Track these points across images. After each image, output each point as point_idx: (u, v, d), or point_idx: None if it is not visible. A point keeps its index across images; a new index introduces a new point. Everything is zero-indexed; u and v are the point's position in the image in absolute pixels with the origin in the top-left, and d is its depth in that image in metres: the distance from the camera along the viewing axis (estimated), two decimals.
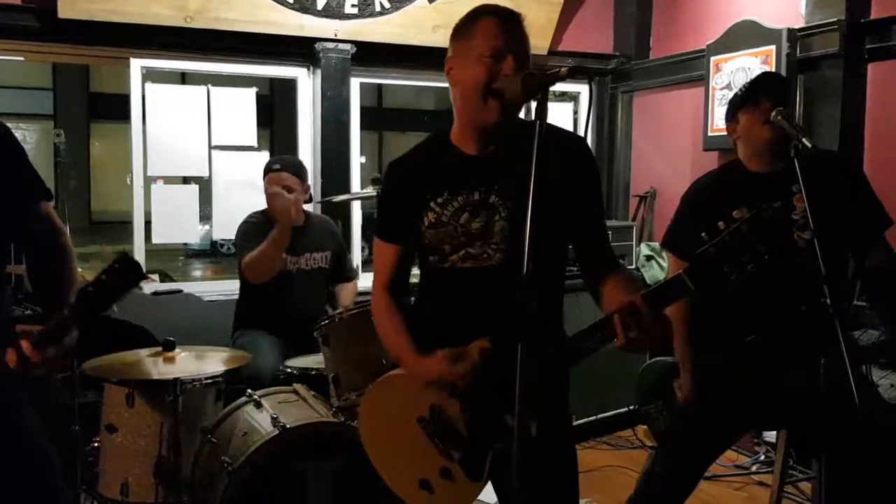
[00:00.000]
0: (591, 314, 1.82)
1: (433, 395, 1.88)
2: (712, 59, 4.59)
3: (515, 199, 1.84)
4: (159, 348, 3.07)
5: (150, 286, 4.38)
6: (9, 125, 2.03)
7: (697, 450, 2.70)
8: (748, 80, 3.01)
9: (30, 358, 1.73)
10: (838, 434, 2.39)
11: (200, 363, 3.06)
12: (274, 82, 13.58)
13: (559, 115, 5.50)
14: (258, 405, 2.98)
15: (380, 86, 15.16)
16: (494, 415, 1.78)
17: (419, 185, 1.94)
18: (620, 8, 5.50)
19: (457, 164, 1.92)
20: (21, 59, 4.56)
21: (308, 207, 3.92)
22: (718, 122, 4.50)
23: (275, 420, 2.79)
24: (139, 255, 4.41)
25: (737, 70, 4.40)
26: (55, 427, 2.17)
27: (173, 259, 13.75)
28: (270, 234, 3.53)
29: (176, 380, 2.89)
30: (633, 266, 5.03)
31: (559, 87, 5.18)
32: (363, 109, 4.94)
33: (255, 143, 4.67)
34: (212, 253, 14.20)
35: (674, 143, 5.17)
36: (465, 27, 1.85)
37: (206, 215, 4.67)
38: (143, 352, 3.09)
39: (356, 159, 4.88)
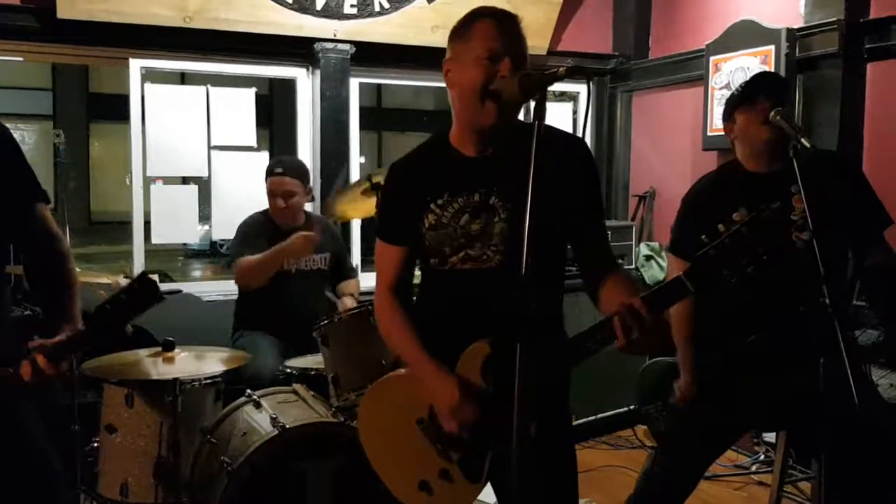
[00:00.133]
0: (590, 314, 1.82)
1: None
2: (711, 58, 4.59)
3: (515, 200, 1.84)
4: (159, 348, 3.07)
5: None
6: (8, 125, 2.03)
7: (697, 450, 2.70)
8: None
9: (45, 371, 1.75)
10: (838, 434, 2.39)
11: (200, 363, 3.06)
12: (273, 82, 13.58)
13: (558, 115, 5.51)
14: (257, 405, 2.99)
15: (379, 86, 15.16)
16: (494, 416, 1.79)
17: (419, 187, 1.94)
18: (619, 8, 5.50)
19: (456, 165, 1.92)
20: (20, 59, 4.55)
21: (307, 207, 3.92)
22: (717, 121, 4.50)
23: (274, 420, 2.79)
24: (138, 255, 4.42)
25: (736, 70, 4.40)
26: (55, 427, 2.17)
27: (173, 259, 13.74)
28: (274, 248, 3.54)
29: (175, 380, 2.89)
30: (633, 266, 5.03)
31: (558, 87, 5.21)
32: (362, 109, 4.94)
33: (254, 143, 4.67)
34: (211, 253, 14.18)
35: (673, 143, 5.17)
36: (462, 29, 1.85)
37: (205, 215, 4.67)
38: (143, 352, 3.09)
39: (355, 159, 4.88)
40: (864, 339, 3.26)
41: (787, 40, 4.08)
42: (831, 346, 2.21)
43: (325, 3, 4.45)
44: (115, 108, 7.34)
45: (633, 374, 3.11)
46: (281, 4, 4.35)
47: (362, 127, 4.95)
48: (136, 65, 4.34)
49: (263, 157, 4.73)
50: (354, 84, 4.79)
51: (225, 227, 4.48)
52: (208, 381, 3.09)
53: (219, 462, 2.78)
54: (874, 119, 3.95)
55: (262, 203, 3.81)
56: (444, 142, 1.96)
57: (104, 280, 3.46)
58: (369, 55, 4.68)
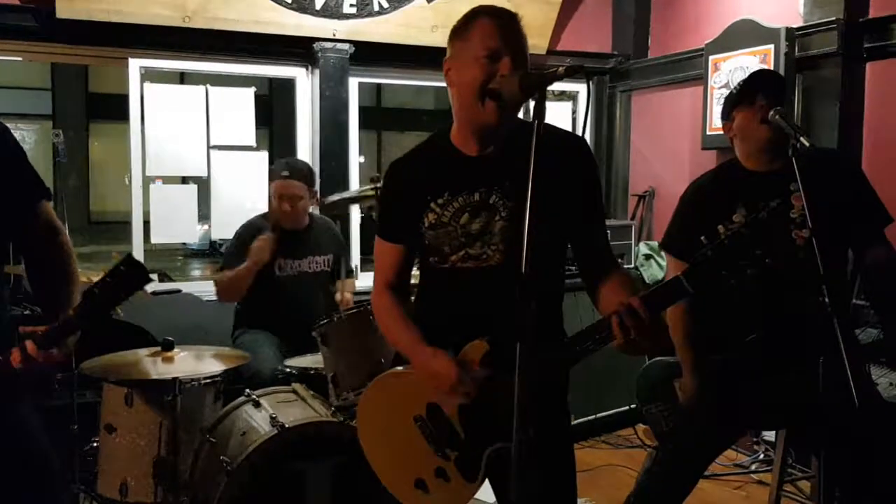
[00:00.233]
0: (590, 313, 1.82)
1: (431, 393, 1.88)
2: (710, 58, 4.59)
3: (515, 199, 1.84)
4: (158, 348, 3.06)
5: (149, 286, 4.37)
6: (8, 125, 2.03)
7: (697, 449, 2.69)
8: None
9: (34, 358, 1.74)
10: (837, 433, 2.39)
11: (199, 363, 3.06)
12: (273, 82, 13.58)
13: (558, 115, 5.50)
14: (257, 405, 2.98)
15: (378, 85, 15.15)
16: (492, 415, 1.79)
17: (420, 185, 1.94)
18: (619, 7, 5.50)
19: (457, 164, 1.92)
20: (19, 59, 4.55)
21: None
22: (717, 121, 4.50)
23: (273, 419, 2.79)
24: (138, 254, 4.41)
25: (735, 69, 4.40)
26: (54, 427, 2.16)
27: (172, 259, 13.75)
28: (240, 266, 3.55)
29: (175, 379, 2.89)
30: (632, 265, 5.03)
31: (558, 86, 5.21)
32: (362, 109, 4.94)
33: (253, 142, 4.67)
34: (210, 253, 14.17)
35: (672, 143, 5.17)
36: (462, 28, 1.85)
37: (204, 215, 4.67)
38: (142, 352, 3.08)
39: (355, 159, 4.88)
40: (864, 337, 3.26)
41: (786, 40, 4.08)
42: (831, 345, 2.21)
43: (325, 2, 4.45)
44: (115, 108, 7.34)
45: (634, 373, 3.10)
46: (280, 4, 4.35)
47: (362, 126, 4.95)
48: (135, 64, 4.33)
49: (263, 157, 4.73)
50: (354, 83, 4.79)
51: (224, 227, 4.47)
52: (208, 380, 3.10)
53: (218, 461, 2.77)
54: (873, 118, 3.95)
55: (261, 202, 3.81)
56: (444, 141, 1.96)
57: (102, 276, 3.45)
58: (369, 54, 4.67)
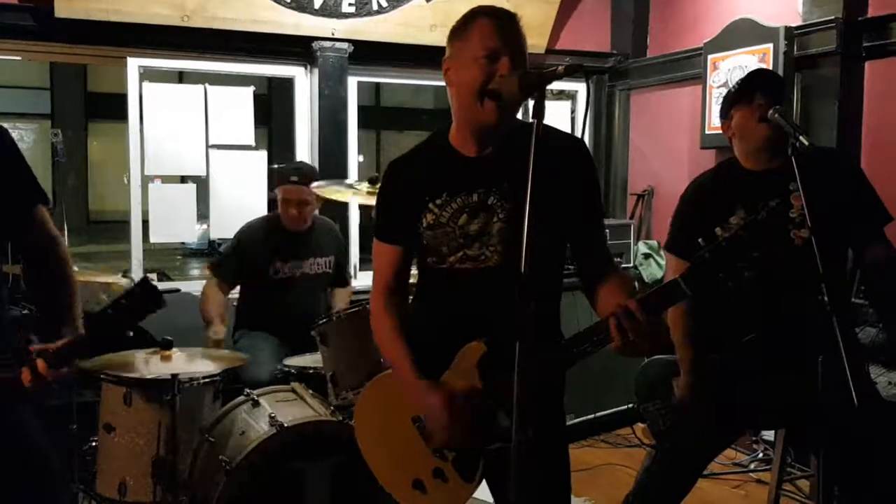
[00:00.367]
0: (588, 314, 1.82)
1: None
2: (709, 57, 4.59)
3: (514, 200, 1.84)
4: (157, 347, 3.06)
5: None
6: (6, 125, 2.03)
7: (696, 448, 2.69)
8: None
9: (45, 377, 1.75)
10: (836, 432, 2.39)
11: (198, 362, 3.06)
12: (272, 81, 13.59)
13: (557, 114, 5.50)
14: (256, 404, 2.98)
15: (377, 84, 15.14)
16: (489, 415, 1.79)
17: (418, 186, 1.93)
18: (618, 6, 5.50)
19: (455, 165, 1.91)
20: (18, 58, 4.55)
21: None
22: (715, 120, 4.50)
23: (272, 419, 2.79)
24: (137, 254, 4.42)
25: (734, 68, 4.40)
26: (53, 427, 2.16)
27: (171, 258, 13.74)
28: (209, 327, 3.52)
29: (174, 379, 2.89)
30: (631, 264, 5.03)
31: (557, 85, 5.21)
32: (361, 108, 4.94)
33: (252, 142, 4.67)
34: (209, 252, 14.15)
35: (671, 142, 5.17)
36: (461, 28, 1.85)
37: (203, 214, 4.66)
38: (141, 351, 3.08)
39: (354, 158, 4.88)
40: (863, 336, 3.26)
41: (785, 38, 4.08)
42: (830, 344, 2.21)
43: (324, 1, 4.45)
44: (113, 108, 7.34)
45: (632, 373, 3.10)
46: (279, 3, 4.34)
47: (361, 126, 4.95)
48: (133, 64, 4.33)
49: (262, 156, 4.73)
50: (353, 83, 4.79)
51: (223, 226, 4.47)
52: (207, 379, 3.10)
53: (217, 461, 2.77)
54: (872, 117, 3.95)
55: (260, 202, 3.81)
56: (443, 141, 1.96)
57: (103, 279, 3.46)
58: (368, 54, 4.67)
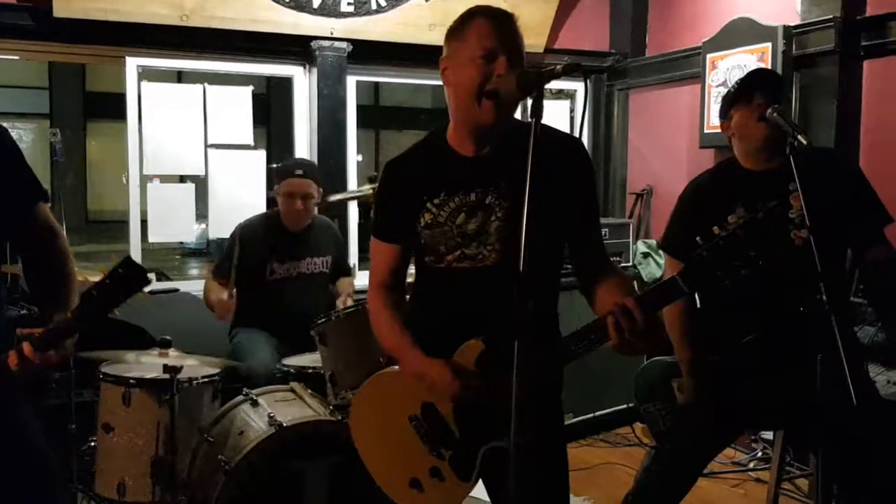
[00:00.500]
0: (586, 313, 1.82)
1: (426, 393, 1.88)
2: (708, 56, 4.59)
3: (512, 199, 1.84)
4: (156, 347, 3.06)
5: (147, 286, 4.36)
6: (5, 125, 2.02)
7: (695, 448, 2.69)
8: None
9: (31, 360, 1.74)
10: (835, 431, 2.39)
11: (197, 362, 3.05)
12: (270, 81, 13.55)
13: (555, 113, 5.50)
14: (255, 404, 2.98)
15: (376, 84, 15.13)
16: (487, 415, 1.79)
17: (416, 185, 1.94)
18: (616, 5, 5.50)
19: (453, 164, 1.92)
20: (16, 58, 4.54)
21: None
22: (714, 119, 4.50)
23: (271, 418, 2.79)
24: (135, 253, 4.40)
25: (733, 67, 4.40)
26: (52, 426, 2.16)
27: (170, 258, 13.72)
28: (216, 302, 3.53)
29: (173, 378, 2.89)
30: (630, 263, 5.03)
31: (555, 84, 5.20)
32: (359, 108, 4.94)
33: (251, 141, 4.67)
34: (208, 252, 14.16)
35: (670, 141, 5.17)
36: (459, 28, 1.85)
37: (202, 214, 4.66)
38: (140, 351, 3.08)
39: (353, 158, 4.87)
40: (862, 335, 3.26)
41: (783, 38, 4.09)
42: (829, 344, 2.21)
43: (322, 1, 4.44)
44: (112, 107, 7.32)
45: (632, 372, 3.11)
46: (278, 2, 4.34)
47: (359, 125, 4.95)
48: (132, 63, 4.33)
49: (260, 156, 4.73)
50: (351, 82, 4.78)
51: (222, 226, 4.47)
52: (205, 379, 3.10)
53: (216, 461, 2.77)
54: (871, 116, 3.95)
55: (259, 201, 3.80)
56: (440, 140, 1.96)
57: (101, 279, 3.44)
58: (366, 53, 4.67)
